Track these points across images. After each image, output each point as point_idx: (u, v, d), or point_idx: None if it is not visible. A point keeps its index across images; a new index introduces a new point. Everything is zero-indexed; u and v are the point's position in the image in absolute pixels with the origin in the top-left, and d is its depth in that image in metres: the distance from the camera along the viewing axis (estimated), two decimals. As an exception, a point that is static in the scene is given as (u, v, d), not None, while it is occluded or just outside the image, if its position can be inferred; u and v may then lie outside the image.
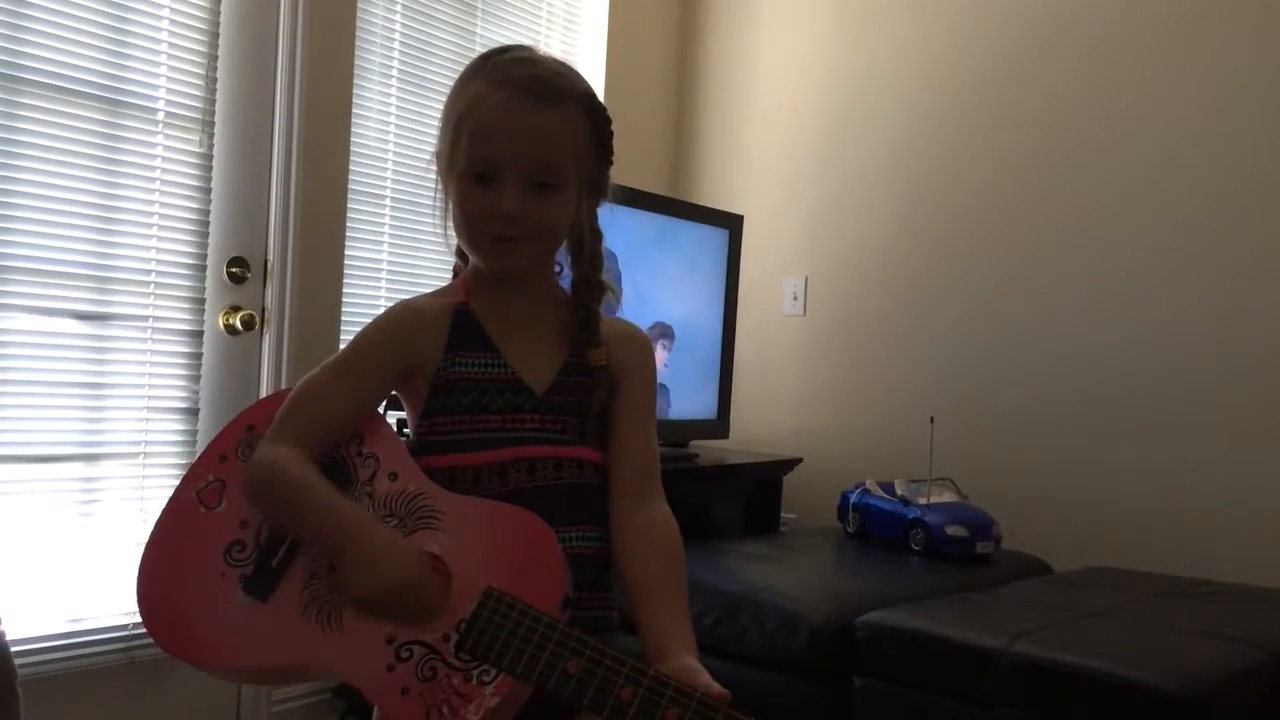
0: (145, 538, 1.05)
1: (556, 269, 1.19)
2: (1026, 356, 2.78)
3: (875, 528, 2.54)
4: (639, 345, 1.18)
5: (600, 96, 1.15)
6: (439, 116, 1.14)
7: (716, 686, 0.92)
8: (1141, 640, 1.75)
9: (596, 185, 1.15)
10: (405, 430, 1.17)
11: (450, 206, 1.12)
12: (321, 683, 2.50)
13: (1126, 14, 2.66)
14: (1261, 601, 2.08)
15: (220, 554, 1.01)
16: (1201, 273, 2.52)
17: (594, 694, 0.88)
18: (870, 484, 2.60)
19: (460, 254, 1.19)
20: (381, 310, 2.50)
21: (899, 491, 2.52)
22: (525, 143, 1.06)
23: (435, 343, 1.09)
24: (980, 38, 2.90)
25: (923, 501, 2.45)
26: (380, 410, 1.11)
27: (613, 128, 1.14)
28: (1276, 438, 2.40)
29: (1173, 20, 2.59)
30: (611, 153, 1.15)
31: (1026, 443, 2.75)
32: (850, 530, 2.60)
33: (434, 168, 1.15)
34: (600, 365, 1.13)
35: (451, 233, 1.13)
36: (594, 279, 1.15)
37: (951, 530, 2.37)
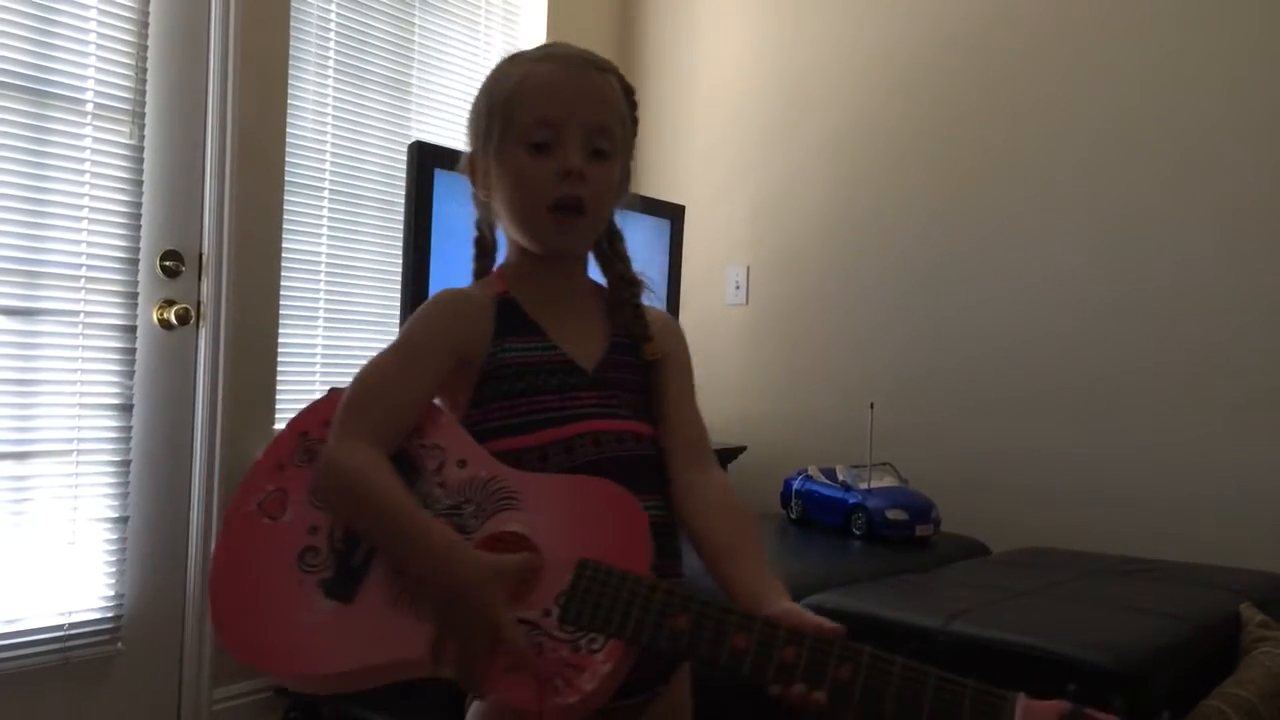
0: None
1: None
2: (965, 343, 2.83)
3: (818, 513, 2.57)
4: (676, 331, 1.23)
5: None
6: (468, 117, 1.15)
7: (828, 623, 0.92)
8: (1074, 617, 1.79)
9: (625, 176, 1.17)
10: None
11: (495, 198, 1.13)
12: (266, 680, 2.48)
13: (1061, 1, 2.71)
14: (1186, 577, 2.14)
15: (293, 562, 1.00)
16: (1136, 262, 2.59)
17: (708, 646, 0.87)
18: (812, 470, 2.63)
19: (479, 247, 1.19)
20: (320, 303, 2.53)
21: (840, 477, 2.56)
22: (585, 102, 1.08)
23: (484, 330, 1.10)
24: (918, 28, 2.94)
25: (864, 487, 2.48)
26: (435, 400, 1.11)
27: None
28: (1199, 422, 2.48)
29: (1108, 5, 2.64)
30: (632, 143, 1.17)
31: (965, 427, 2.81)
32: (793, 516, 2.63)
33: (465, 173, 1.16)
34: (655, 360, 1.16)
35: (482, 230, 1.17)
36: (629, 276, 1.18)
37: (892, 514, 2.41)
